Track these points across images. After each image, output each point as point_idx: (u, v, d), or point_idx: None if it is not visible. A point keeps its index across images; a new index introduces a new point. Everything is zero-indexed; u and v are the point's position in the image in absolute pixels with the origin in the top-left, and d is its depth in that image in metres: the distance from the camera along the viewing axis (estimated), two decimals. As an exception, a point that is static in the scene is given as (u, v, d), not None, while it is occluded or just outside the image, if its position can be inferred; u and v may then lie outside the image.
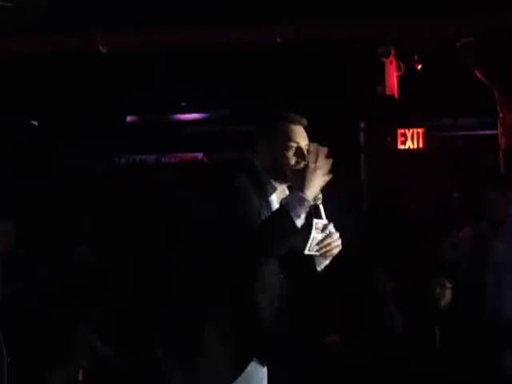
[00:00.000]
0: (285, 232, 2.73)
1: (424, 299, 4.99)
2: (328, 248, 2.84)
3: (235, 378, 2.88)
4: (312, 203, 2.80)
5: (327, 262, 2.92)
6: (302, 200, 2.73)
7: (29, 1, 4.57)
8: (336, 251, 2.87)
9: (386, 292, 5.56)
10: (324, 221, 2.82)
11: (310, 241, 2.79)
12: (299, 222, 2.72)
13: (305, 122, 2.96)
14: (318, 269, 2.93)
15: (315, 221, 2.80)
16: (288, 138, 2.90)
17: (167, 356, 2.90)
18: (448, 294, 4.85)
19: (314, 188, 2.75)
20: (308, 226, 2.80)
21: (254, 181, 2.87)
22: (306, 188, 2.74)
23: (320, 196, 2.83)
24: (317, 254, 2.84)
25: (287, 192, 2.96)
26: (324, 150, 2.76)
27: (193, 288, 2.90)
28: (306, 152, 2.87)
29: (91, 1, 4.74)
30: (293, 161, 2.88)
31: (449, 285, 4.85)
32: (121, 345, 5.53)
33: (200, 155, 8.85)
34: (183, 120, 8.61)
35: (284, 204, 2.75)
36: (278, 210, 2.78)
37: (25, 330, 5.28)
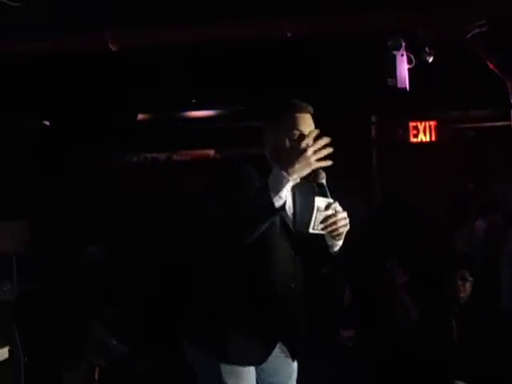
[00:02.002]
0: (263, 209, 2.71)
1: (442, 291, 4.97)
2: (334, 227, 2.81)
3: (262, 361, 2.93)
4: (318, 182, 2.81)
5: (340, 243, 2.91)
6: (282, 178, 2.68)
7: (37, 0, 4.56)
8: (343, 230, 2.85)
9: (400, 284, 5.55)
10: (327, 199, 2.82)
11: (313, 219, 2.80)
12: (279, 201, 2.68)
13: (311, 109, 2.94)
14: (332, 251, 2.93)
15: (317, 198, 2.81)
16: (292, 125, 2.91)
17: (194, 345, 2.95)
18: (468, 287, 4.82)
19: (299, 170, 2.70)
20: (311, 204, 2.82)
21: (262, 170, 2.86)
22: (289, 167, 2.69)
23: (323, 175, 2.82)
24: (322, 232, 2.83)
25: (297, 179, 2.90)
26: (324, 140, 2.71)
27: (207, 276, 2.96)
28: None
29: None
30: (301, 151, 2.82)
31: (470, 278, 4.81)
32: (136, 343, 5.56)
33: (212, 152, 8.86)
34: (194, 117, 8.61)
35: (264, 182, 2.73)
36: (258, 187, 2.75)
37: (40, 330, 5.30)
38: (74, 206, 7.65)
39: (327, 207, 2.80)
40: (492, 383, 4.52)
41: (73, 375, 5.27)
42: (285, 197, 2.70)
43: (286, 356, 3.03)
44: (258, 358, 2.94)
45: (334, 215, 2.81)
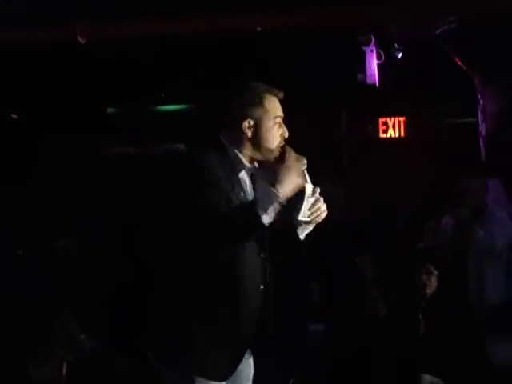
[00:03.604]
0: (248, 227, 2.66)
1: (408, 286, 5.01)
2: (318, 213, 2.80)
3: (232, 372, 2.81)
4: (283, 199, 2.72)
5: (310, 228, 2.88)
6: (273, 196, 2.64)
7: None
8: (323, 216, 2.82)
9: (369, 279, 5.58)
10: (312, 185, 2.78)
11: (303, 206, 2.76)
12: (267, 218, 2.62)
13: (282, 95, 2.86)
14: (301, 237, 2.88)
15: (306, 185, 2.76)
16: (275, 110, 2.81)
17: (159, 359, 2.82)
18: (434, 282, 4.86)
19: (286, 187, 2.67)
20: (300, 191, 2.76)
21: (221, 159, 2.78)
22: (279, 184, 2.66)
23: (305, 161, 2.78)
24: (308, 219, 2.80)
25: (256, 166, 2.88)
26: (300, 158, 2.72)
27: (172, 283, 2.82)
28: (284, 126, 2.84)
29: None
30: (278, 136, 2.82)
31: (435, 272, 4.86)
32: (105, 338, 5.53)
33: (181, 146, 8.82)
34: (164, 111, 8.58)
35: (253, 198, 2.70)
36: (245, 203, 2.71)
37: (8, 325, 5.26)
38: (44, 200, 7.59)
39: (313, 193, 2.79)
40: (459, 377, 4.56)
41: (41, 370, 5.23)
42: (271, 212, 2.64)
43: (249, 357, 2.95)
44: (228, 371, 2.82)
45: (318, 201, 2.80)
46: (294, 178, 2.70)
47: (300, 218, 2.78)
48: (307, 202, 2.78)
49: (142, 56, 6.57)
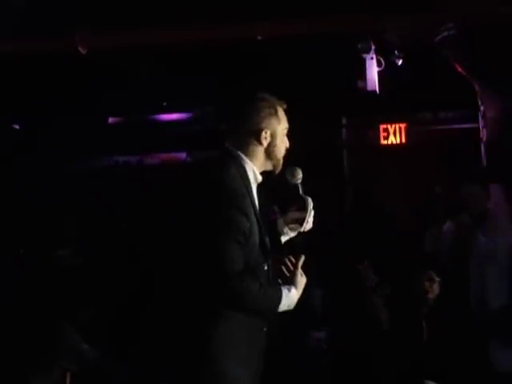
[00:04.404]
0: (264, 308, 2.77)
1: (411, 293, 5.01)
2: (308, 224, 2.95)
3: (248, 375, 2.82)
4: (293, 182, 2.88)
5: (292, 235, 3.00)
6: (292, 303, 2.79)
7: (5, 2, 4.54)
8: (311, 225, 2.97)
9: (371, 286, 5.58)
10: (309, 198, 2.92)
11: (307, 219, 2.90)
12: (277, 309, 2.76)
13: (285, 105, 2.92)
14: (283, 239, 2.99)
15: (309, 199, 2.90)
16: (285, 119, 2.87)
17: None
18: (436, 288, 4.86)
19: (299, 293, 2.83)
20: (299, 202, 2.89)
21: (239, 170, 2.79)
22: (296, 291, 2.80)
23: (301, 175, 2.89)
24: (304, 229, 2.95)
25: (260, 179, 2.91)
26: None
27: (180, 294, 2.81)
28: None
29: (69, 2, 4.72)
30: (285, 146, 2.89)
31: (437, 278, 4.86)
32: (109, 347, 5.52)
33: (183, 155, 8.84)
34: (166, 120, 8.60)
35: (280, 295, 2.76)
36: (276, 293, 2.77)
37: (10, 335, 5.25)
38: (44, 210, 7.60)
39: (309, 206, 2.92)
40: (462, 383, 4.56)
41: (43, 380, 5.22)
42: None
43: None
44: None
45: (310, 213, 2.91)
46: (302, 286, 2.84)
47: (302, 229, 2.95)
48: (308, 216, 2.91)
49: (144, 65, 6.60)
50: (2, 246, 6.40)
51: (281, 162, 2.88)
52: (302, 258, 2.85)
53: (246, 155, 2.83)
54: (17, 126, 8.15)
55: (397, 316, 5.06)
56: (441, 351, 4.65)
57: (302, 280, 2.83)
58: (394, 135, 8.39)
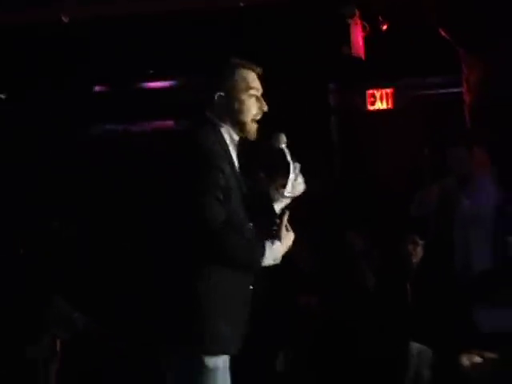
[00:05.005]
0: (247, 261, 2.78)
1: (396, 256, 5.06)
2: (297, 188, 2.92)
3: (239, 344, 2.85)
4: (278, 147, 2.87)
5: (287, 202, 2.97)
6: (277, 255, 2.79)
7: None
8: (301, 189, 2.94)
9: (358, 251, 5.63)
10: (295, 162, 2.90)
11: (290, 183, 2.88)
12: (260, 265, 2.77)
13: (260, 70, 2.92)
14: (277, 211, 2.95)
15: (292, 163, 2.88)
16: (248, 85, 2.86)
17: (171, 340, 2.83)
18: (420, 251, 4.92)
19: (285, 248, 2.82)
20: (286, 167, 2.87)
21: (215, 134, 2.84)
22: (282, 246, 2.80)
23: (285, 139, 2.89)
24: (291, 195, 2.92)
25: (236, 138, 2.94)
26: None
27: (175, 261, 2.83)
28: (263, 100, 2.88)
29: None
30: (254, 109, 2.88)
31: (420, 241, 4.92)
32: (98, 315, 5.57)
33: (171, 123, 8.82)
34: (152, 88, 8.57)
35: (263, 248, 2.77)
36: (259, 245, 2.79)
37: (1, 304, 5.30)
38: (33, 181, 7.60)
39: (294, 169, 2.89)
40: (446, 344, 4.63)
41: (35, 348, 5.28)
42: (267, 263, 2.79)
43: None
44: (237, 343, 2.86)
45: (298, 176, 2.90)
46: (288, 242, 2.85)
47: (287, 194, 2.90)
48: (290, 181, 2.88)
49: (128, 33, 6.56)
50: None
51: (248, 126, 2.87)
52: (287, 214, 2.86)
53: (219, 119, 2.88)
54: (2, 96, 8.11)
55: (382, 280, 5.13)
56: (425, 314, 4.72)
57: (288, 235, 2.84)
58: (380, 100, 8.38)
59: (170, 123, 8.34)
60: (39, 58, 7.15)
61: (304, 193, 2.96)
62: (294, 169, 2.89)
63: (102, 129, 8.56)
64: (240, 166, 2.94)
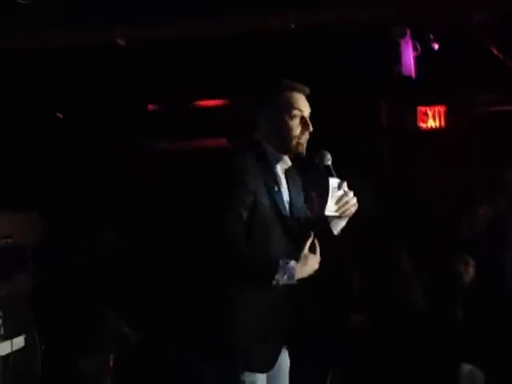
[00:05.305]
0: (258, 276, 2.77)
1: (446, 276, 5.03)
2: (346, 206, 2.89)
3: (273, 363, 2.91)
4: (323, 165, 2.89)
5: (343, 223, 2.97)
6: (292, 277, 2.76)
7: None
8: (353, 209, 2.92)
9: (408, 271, 5.60)
10: (337, 179, 2.89)
11: (328, 200, 2.85)
12: (274, 282, 2.75)
13: (307, 90, 2.97)
14: (335, 232, 2.97)
15: (331, 180, 2.87)
16: (291, 106, 2.90)
17: (204, 359, 2.91)
18: (471, 271, 4.88)
19: (305, 272, 2.81)
20: (325, 185, 2.87)
21: (256, 153, 2.89)
22: (301, 270, 2.79)
23: (329, 157, 2.91)
24: (336, 214, 2.89)
25: (289, 163, 2.98)
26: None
27: (209, 281, 2.88)
28: (309, 121, 2.92)
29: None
30: (297, 130, 2.92)
31: (472, 262, 4.88)
32: (151, 331, 5.64)
33: (224, 141, 8.90)
34: (205, 106, 8.67)
35: (276, 265, 2.75)
36: (266, 263, 2.77)
37: (56, 319, 5.41)
38: (87, 196, 7.73)
39: (339, 188, 2.88)
40: (498, 366, 4.58)
41: (88, 363, 5.37)
42: (282, 282, 2.76)
43: (285, 350, 3.05)
44: (270, 362, 2.91)
45: (345, 195, 2.88)
46: (313, 264, 2.83)
47: (327, 212, 2.88)
48: (332, 198, 2.87)
49: (180, 55, 6.68)
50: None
51: (292, 146, 2.91)
52: (312, 235, 2.85)
53: (263, 138, 2.95)
54: (60, 115, 8.30)
55: (433, 299, 5.09)
56: (477, 335, 4.67)
57: (309, 257, 2.82)
58: (433, 119, 8.33)
59: (222, 141, 8.42)
60: (94, 77, 7.31)
61: (356, 212, 2.95)
62: (339, 187, 2.87)
63: (154, 146, 8.68)
64: (293, 185, 2.98)
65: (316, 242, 2.86)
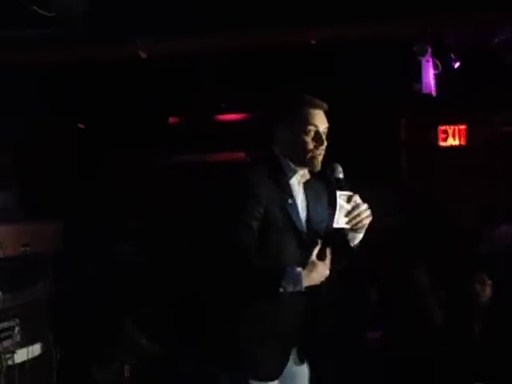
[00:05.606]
0: (265, 284, 2.81)
1: (464, 295, 5.01)
2: (358, 219, 2.89)
3: (280, 372, 2.94)
4: (335, 177, 2.92)
5: (360, 236, 2.97)
6: (298, 283, 2.79)
7: (69, 10, 4.72)
8: (366, 222, 2.91)
9: (425, 287, 5.59)
10: (347, 192, 2.89)
11: (336, 213, 2.86)
12: (281, 290, 2.78)
13: (325, 106, 3.00)
14: (352, 245, 2.97)
15: (338, 193, 2.87)
16: (306, 121, 2.95)
17: (215, 364, 2.99)
18: (488, 291, 4.87)
19: (312, 280, 2.83)
20: (333, 198, 2.88)
21: (273, 166, 2.95)
22: (309, 282, 2.81)
23: (341, 169, 2.93)
24: (346, 226, 2.89)
25: (307, 175, 3.02)
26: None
27: (223, 290, 2.94)
28: (324, 136, 2.96)
29: (130, 9, 4.87)
30: (311, 145, 2.95)
31: (489, 281, 4.87)
32: (169, 343, 5.65)
33: (243, 155, 8.93)
34: (225, 120, 8.72)
35: (282, 272, 2.79)
36: (272, 271, 2.81)
37: (73, 328, 5.44)
38: (108, 207, 7.77)
39: (348, 200, 2.88)
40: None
41: (104, 372, 5.40)
42: (289, 290, 2.79)
43: (297, 362, 3.05)
44: (277, 371, 2.95)
45: (356, 207, 2.88)
46: (322, 271, 2.85)
47: (335, 225, 2.89)
48: (340, 211, 2.87)
49: (202, 69, 6.73)
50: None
51: (306, 160, 2.95)
52: (319, 244, 2.88)
53: (280, 152, 3.00)
54: (81, 126, 8.36)
55: (449, 318, 5.08)
56: (494, 354, 4.65)
57: (317, 264, 2.83)
58: (453, 137, 8.32)
59: (241, 155, 8.45)
60: (116, 90, 7.38)
61: (374, 227, 2.95)
62: (349, 200, 2.87)
63: (175, 159, 8.72)
64: (312, 198, 3.02)
65: (327, 250, 2.88)
